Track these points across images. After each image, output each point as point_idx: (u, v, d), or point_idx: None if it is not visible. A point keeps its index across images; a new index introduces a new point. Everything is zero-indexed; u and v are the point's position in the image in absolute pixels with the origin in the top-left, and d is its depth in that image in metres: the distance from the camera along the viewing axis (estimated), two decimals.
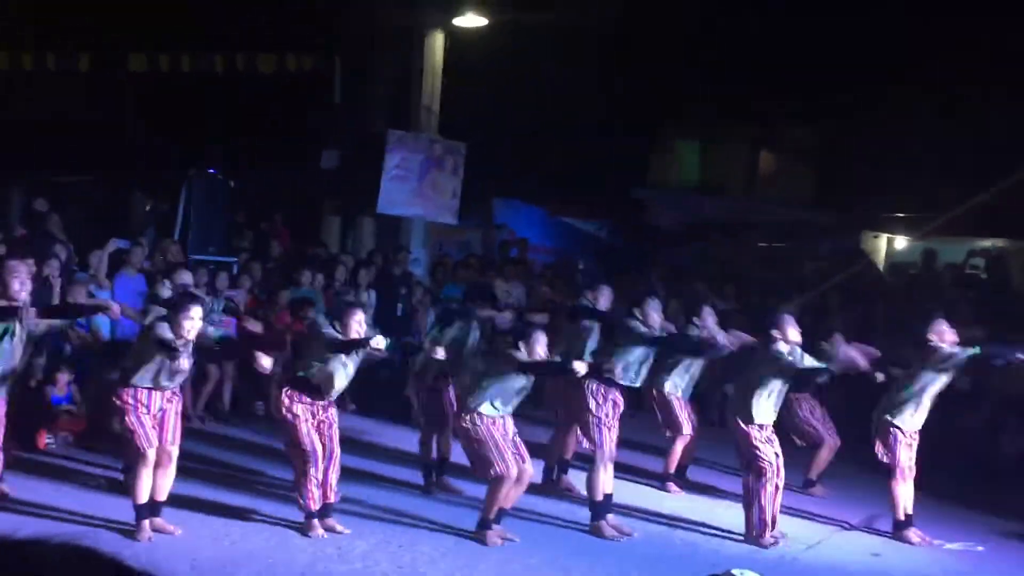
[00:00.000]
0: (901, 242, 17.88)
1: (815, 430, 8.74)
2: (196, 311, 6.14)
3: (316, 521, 6.45)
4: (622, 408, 7.46)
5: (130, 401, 6.07)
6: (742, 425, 7.13)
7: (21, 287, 5.75)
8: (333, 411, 6.66)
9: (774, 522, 7.13)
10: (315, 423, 6.50)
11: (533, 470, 6.94)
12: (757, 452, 7.07)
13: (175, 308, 6.20)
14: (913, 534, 7.48)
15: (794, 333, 7.19)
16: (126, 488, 6.40)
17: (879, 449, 7.50)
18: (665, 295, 11.05)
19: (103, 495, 6.90)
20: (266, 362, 6.33)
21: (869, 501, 8.37)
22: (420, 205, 13.76)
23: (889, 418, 7.40)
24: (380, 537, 6.52)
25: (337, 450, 6.60)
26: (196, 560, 5.81)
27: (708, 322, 8.29)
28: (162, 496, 6.26)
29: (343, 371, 6.54)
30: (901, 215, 17.15)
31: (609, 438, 7.25)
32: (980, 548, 7.49)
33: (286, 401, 6.48)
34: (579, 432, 7.68)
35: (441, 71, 13.99)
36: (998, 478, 9.31)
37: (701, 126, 21.15)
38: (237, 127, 14.14)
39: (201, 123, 14.12)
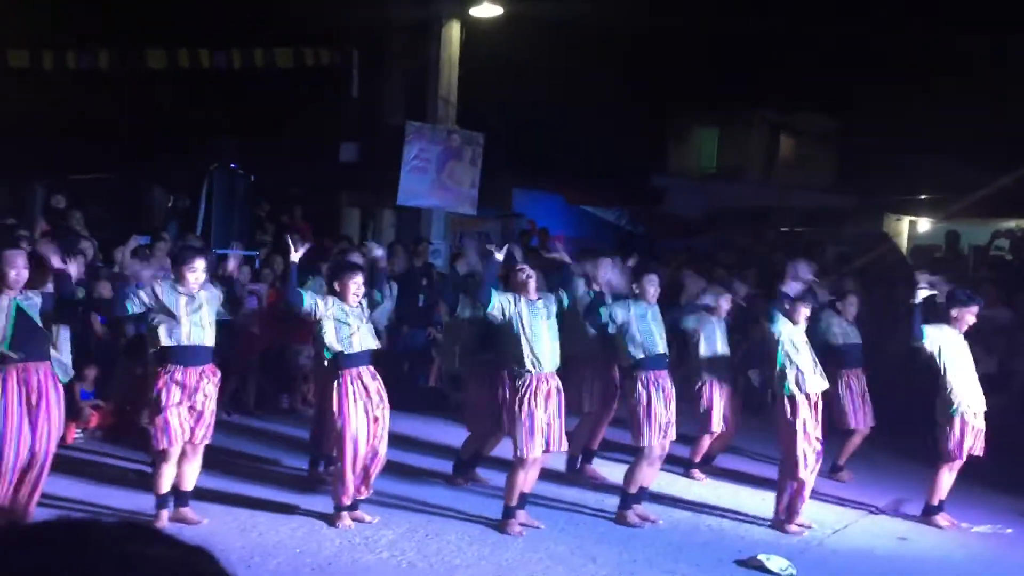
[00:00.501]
0: (924, 224, 17.75)
1: (846, 415, 8.67)
2: (199, 263, 6.17)
3: (345, 513, 6.46)
4: (672, 397, 7.01)
5: (164, 390, 6.00)
6: (783, 406, 6.98)
7: (17, 276, 5.66)
8: (386, 411, 6.46)
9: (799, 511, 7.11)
10: (369, 419, 6.33)
11: (540, 455, 6.56)
12: (795, 443, 6.90)
13: (176, 261, 6.25)
14: (942, 519, 7.45)
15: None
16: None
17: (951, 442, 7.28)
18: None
19: (131, 489, 6.95)
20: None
21: (896, 485, 8.35)
22: (439, 196, 13.79)
23: (951, 413, 7.21)
24: (406, 526, 6.55)
25: (383, 451, 6.45)
26: (224, 550, 5.80)
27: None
28: (188, 486, 6.27)
29: (356, 336, 6.36)
30: (923, 197, 17.03)
31: (656, 433, 6.86)
32: (1009, 531, 7.44)
33: (336, 396, 6.30)
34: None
35: (458, 62, 13.99)
36: None
37: (720, 113, 21.05)
38: (256, 122, 14.21)
39: (221, 118, 14.20)
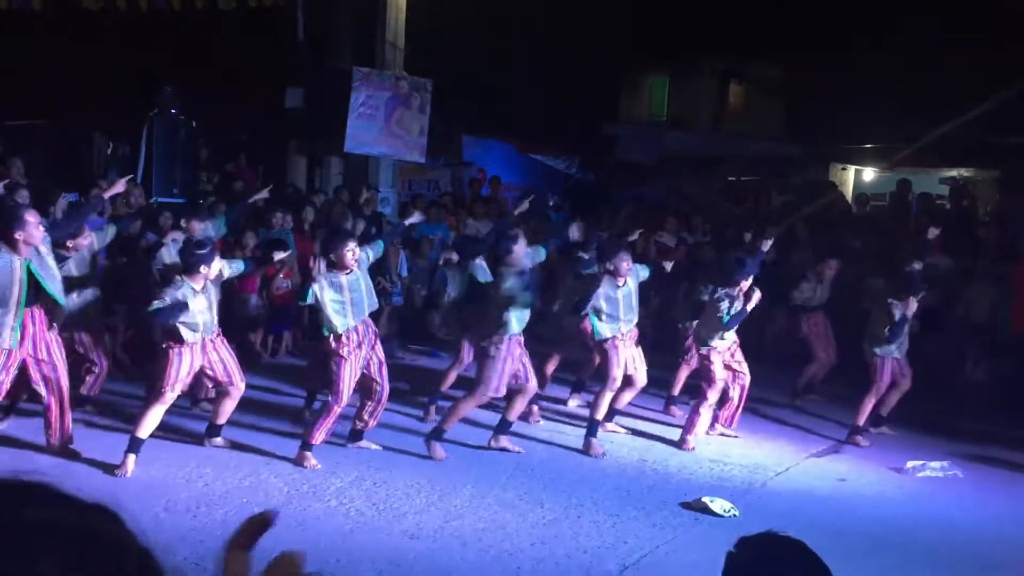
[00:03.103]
0: (869, 174, 17.98)
1: (815, 343, 9.40)
2: (215, 264, 6.66)
3: (310, 454, 6.67)
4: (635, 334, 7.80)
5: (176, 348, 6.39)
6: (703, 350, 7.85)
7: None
8: (380, 348, 6.94)
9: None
10: (364, 360, 6.74)
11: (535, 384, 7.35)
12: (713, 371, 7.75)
13: (191, 267, 6.51)
14: (862, 440, 8.21)
15: None
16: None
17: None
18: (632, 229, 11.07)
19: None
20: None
21: (837, 431, 8.57)
22: (387, 144, 13.60)
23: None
24: (354, 475, 6.56)
25: (387, 387, 6.93)
26: (170, 501, 5.82)
27: None
28: (222, 419, 6.85)
29: (352, 306, 6.69)
30: (868, 146, 17.22)
31: (619, 360, 7.54)
32: (960, 475, 7.57)
33: (332, 343, 6.64)
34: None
35: (405, 5, 13.73)
36: (962, 403, 9.54)
37: (670, 60, 21.01)
38: (198, 66, 13.84)
39: (161, 63, 13.80)
